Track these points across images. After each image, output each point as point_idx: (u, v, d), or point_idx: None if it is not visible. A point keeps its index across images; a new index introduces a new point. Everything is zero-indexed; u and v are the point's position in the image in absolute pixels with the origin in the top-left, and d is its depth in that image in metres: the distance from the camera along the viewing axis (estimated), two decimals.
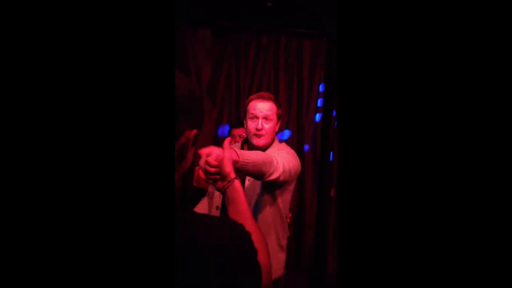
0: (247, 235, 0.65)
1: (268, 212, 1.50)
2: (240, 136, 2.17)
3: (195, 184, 2.12)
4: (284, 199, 1.52)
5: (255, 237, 0.67)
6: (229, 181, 0.88)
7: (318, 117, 2.49)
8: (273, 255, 1.49)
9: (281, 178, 1.33)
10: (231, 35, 2.38)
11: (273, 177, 1.30)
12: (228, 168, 0.90)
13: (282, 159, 1.36)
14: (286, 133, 2.50)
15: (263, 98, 1.50)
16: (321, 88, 2.49)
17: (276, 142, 1.56)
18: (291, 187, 1.52)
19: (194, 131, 0.66)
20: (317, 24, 2.36)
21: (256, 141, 1.49)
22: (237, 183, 0.88)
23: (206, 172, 0.94)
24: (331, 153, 2.44)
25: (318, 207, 2.42)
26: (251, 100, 1.52)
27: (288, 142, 2.43)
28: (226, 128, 2.47)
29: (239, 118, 2.44)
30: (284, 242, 1.57)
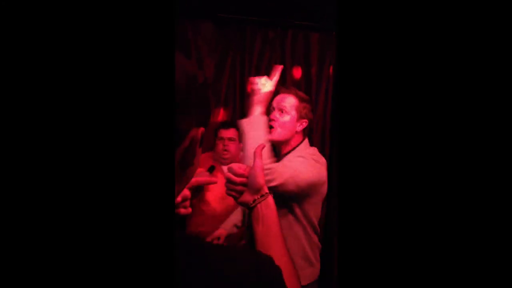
0: (277, 272, 0.52)
1: (288, 228, 1.37)
2: (230, 139, 1.92)
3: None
4: (307, 213, 1.38)
5: (287, 272, 0.55)
6: (262, 195, 0.74)
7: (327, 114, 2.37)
8: (300, 272, 1.37)
9: (281, 188, 1.21)
10: (235, 28, 2.28)
11: (270, 184, 1.18)
12: (262, 180, 0.76)
13: (290, 168, 1.24)
14: None
15: (284, 91, 1.42)
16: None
17: (304, 145, 1.42)
18: (315, 200, 1.38)
19: (201, 129, 0.54)
20: (326, 18, 2.25)
21: (269, 136, 1.36)
22: (271, 199, 0.74)
23: (230, 183, 0.80)
24: None
25: (326, 213, 2.28)
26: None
27: None
28: None
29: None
30: (313, 255, 1.42)
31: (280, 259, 0.59)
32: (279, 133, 1.38)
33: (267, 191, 0.76)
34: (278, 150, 1.44)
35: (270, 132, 1.38)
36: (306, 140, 1.45)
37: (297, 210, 1.37)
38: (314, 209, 1.40)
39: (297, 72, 2.36)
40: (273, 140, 1.38)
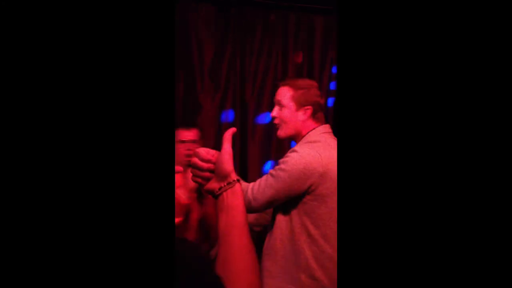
0: (204, 261, 0.53)
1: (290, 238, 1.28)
2: (193, 141, 1.61)
3: None
4: (311, 215, 1.26)
5: (247, 267, 0.56)
6: (229, 183, 0.70)
7: (330, 102, 2.30)
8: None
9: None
10: (236, 11, 2.19)
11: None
12: (229, 166, 0.71)
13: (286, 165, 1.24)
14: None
15: (282, 84, 1.44)
16: (333, 70, 2.29)
17: (313, 133, 1.35)
18: (314, 197, 1.26)
19: None
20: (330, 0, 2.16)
21: (277, 132, 1.42)
22: (238, 187, 0.71)
23: (196, 168, 0.75)
24: None
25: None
26: None
27: None
28: (230, 113, 2.29)
29: (243, 103, 2.27)
30: (318, 268, 1.26)
31: (242, 251, 0.59)
32: (284, 130, 1.39)
33: (235, 178, 0.71)
34: (295, 142, 1.42)
35: (277, 129, 1.42)
36: (319, 128, 1.37)
37: (294, 214, 1.27)
38: (320, 211, 1.26)
39: (299, 57, 2.28)
40: (281, 137, 1.41)
